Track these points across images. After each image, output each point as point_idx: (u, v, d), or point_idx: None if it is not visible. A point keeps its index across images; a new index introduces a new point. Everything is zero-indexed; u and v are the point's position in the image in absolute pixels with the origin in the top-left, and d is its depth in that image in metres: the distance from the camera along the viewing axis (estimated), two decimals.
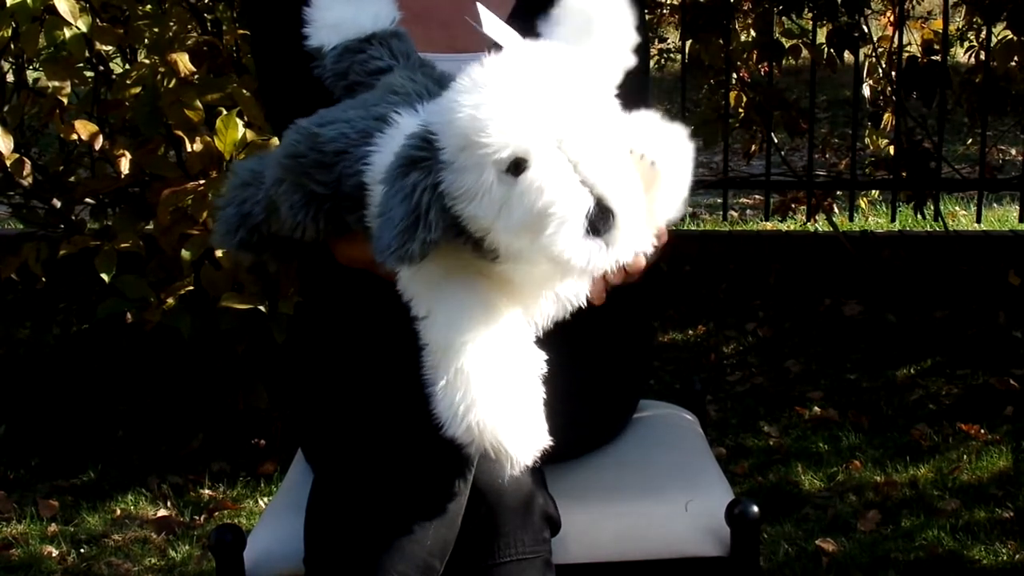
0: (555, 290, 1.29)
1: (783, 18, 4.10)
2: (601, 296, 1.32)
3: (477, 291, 1.25)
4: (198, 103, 2.76)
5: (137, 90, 2.85)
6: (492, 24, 1.25)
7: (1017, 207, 4.50)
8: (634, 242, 1.18)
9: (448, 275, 1.26)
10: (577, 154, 1.15)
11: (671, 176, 1.21)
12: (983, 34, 4.03)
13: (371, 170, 1.33)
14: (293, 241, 1.43)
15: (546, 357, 1.27)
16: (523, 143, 1.15)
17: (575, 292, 1.30)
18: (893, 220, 4.44)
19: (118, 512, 2.85)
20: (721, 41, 4.06)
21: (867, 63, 4.15)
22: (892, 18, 4.27)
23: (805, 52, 4.12)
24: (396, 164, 1.21)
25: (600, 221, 1.15)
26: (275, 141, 1.80)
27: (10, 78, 3.16)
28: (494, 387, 1.22)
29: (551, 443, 1.26)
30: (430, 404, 1.24)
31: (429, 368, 1.25)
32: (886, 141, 4.22)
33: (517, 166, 1.16)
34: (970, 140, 5.33)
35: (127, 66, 3.24)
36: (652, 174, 1.19)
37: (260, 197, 1.44)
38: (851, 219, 4.53)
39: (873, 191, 4.89)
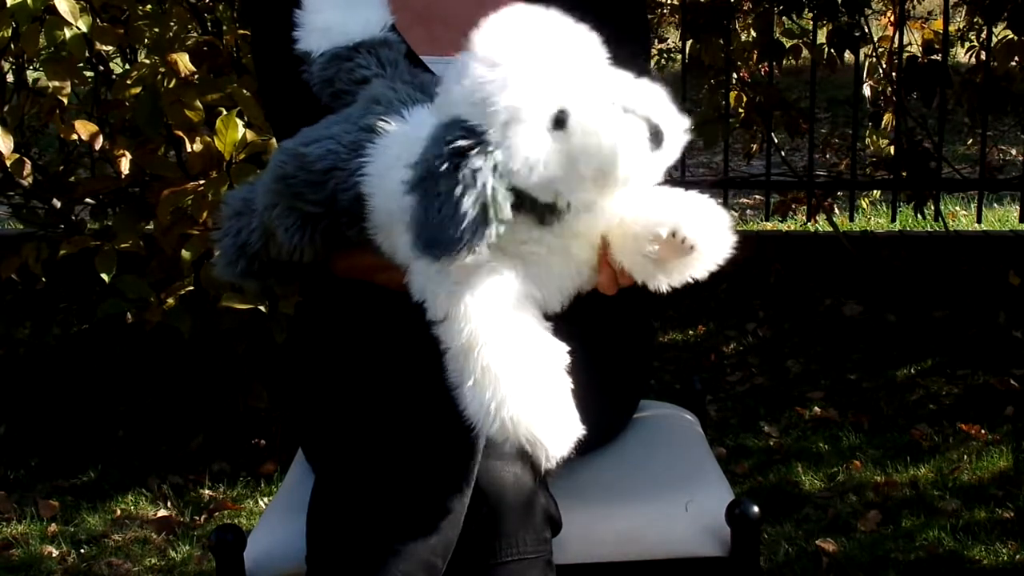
0: (573, 270, 1.29)
1: (783, 18, 4.10)
2: (612, 287, 1.32)
3: (494, 289, 1.24)
4: (198, 103, 2.75)
5: (137, 90, 2.85)
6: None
7: (1017, 207, 4.50)
8: (677, 145, 1.22)
9: (462, 276, 1.25)
10: (608, 91, 1.19)
11: (709, 258, 1.31)
12: (983, 34, 4.03)
13: (368, 181, 1.32)
14: (294, 264, 1.43)
15: (568, 348, 1.27)
16: (561, 94, 1.17)
17: (587, 273, 1.31)
18: (893, 220, 4.44)
19: (118, 512, 2.85)
20: (721, 41, 4.06)
21: (867, 63, 4.15)
22: (892, 18, 4.26)
23: (805, 52, 4.12)
24: (440, 160, 1.17)
25: (654, 140, 1.20)
26: (275, 143, 1.80)
27: (10, 78, 3.15)
28: (523, 382, 1.21)
29: (584, 432, 1.26)
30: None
31: (453, 370, 1.23)
32: (886, 141, 4.22)
33: (560, 121, 1.18)
34: (970, 140, 5.33)
35: (127, 66, 3.24)
36: (690, 255, 1.28)
37: (255, 225, 1.43)
38: (851, 219, 4.53)
39: (873, 191, 4.89)
